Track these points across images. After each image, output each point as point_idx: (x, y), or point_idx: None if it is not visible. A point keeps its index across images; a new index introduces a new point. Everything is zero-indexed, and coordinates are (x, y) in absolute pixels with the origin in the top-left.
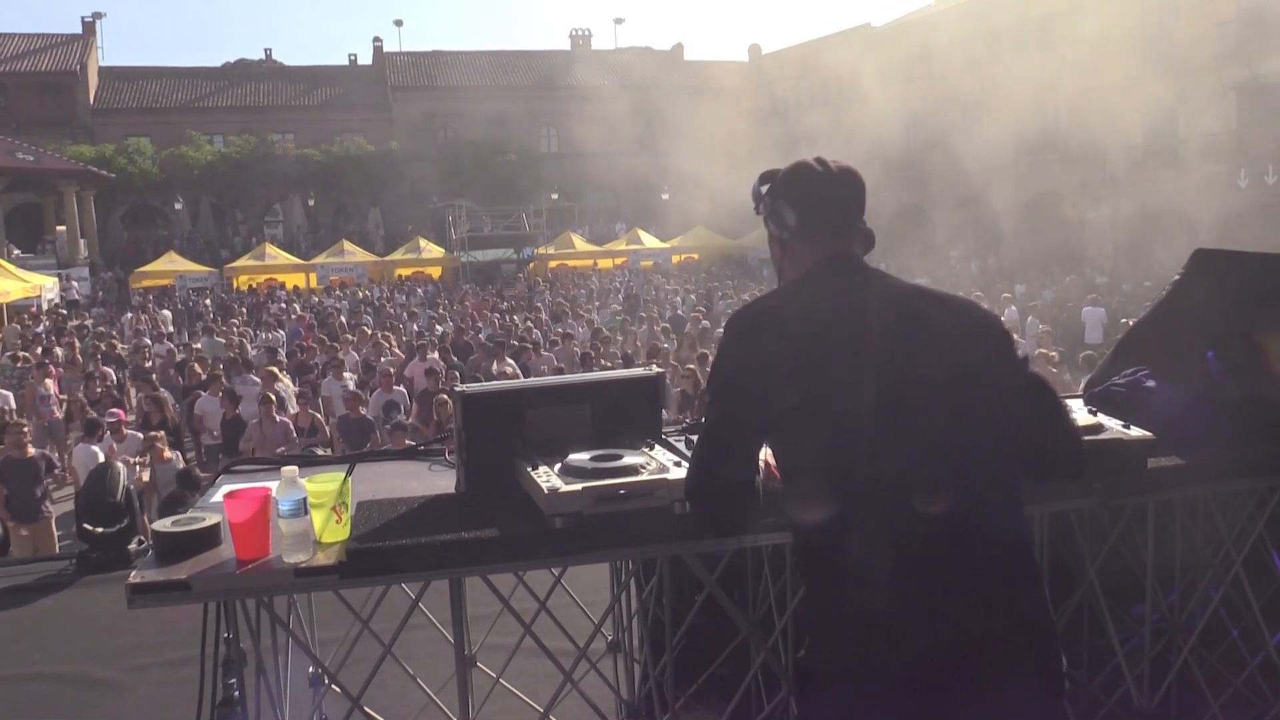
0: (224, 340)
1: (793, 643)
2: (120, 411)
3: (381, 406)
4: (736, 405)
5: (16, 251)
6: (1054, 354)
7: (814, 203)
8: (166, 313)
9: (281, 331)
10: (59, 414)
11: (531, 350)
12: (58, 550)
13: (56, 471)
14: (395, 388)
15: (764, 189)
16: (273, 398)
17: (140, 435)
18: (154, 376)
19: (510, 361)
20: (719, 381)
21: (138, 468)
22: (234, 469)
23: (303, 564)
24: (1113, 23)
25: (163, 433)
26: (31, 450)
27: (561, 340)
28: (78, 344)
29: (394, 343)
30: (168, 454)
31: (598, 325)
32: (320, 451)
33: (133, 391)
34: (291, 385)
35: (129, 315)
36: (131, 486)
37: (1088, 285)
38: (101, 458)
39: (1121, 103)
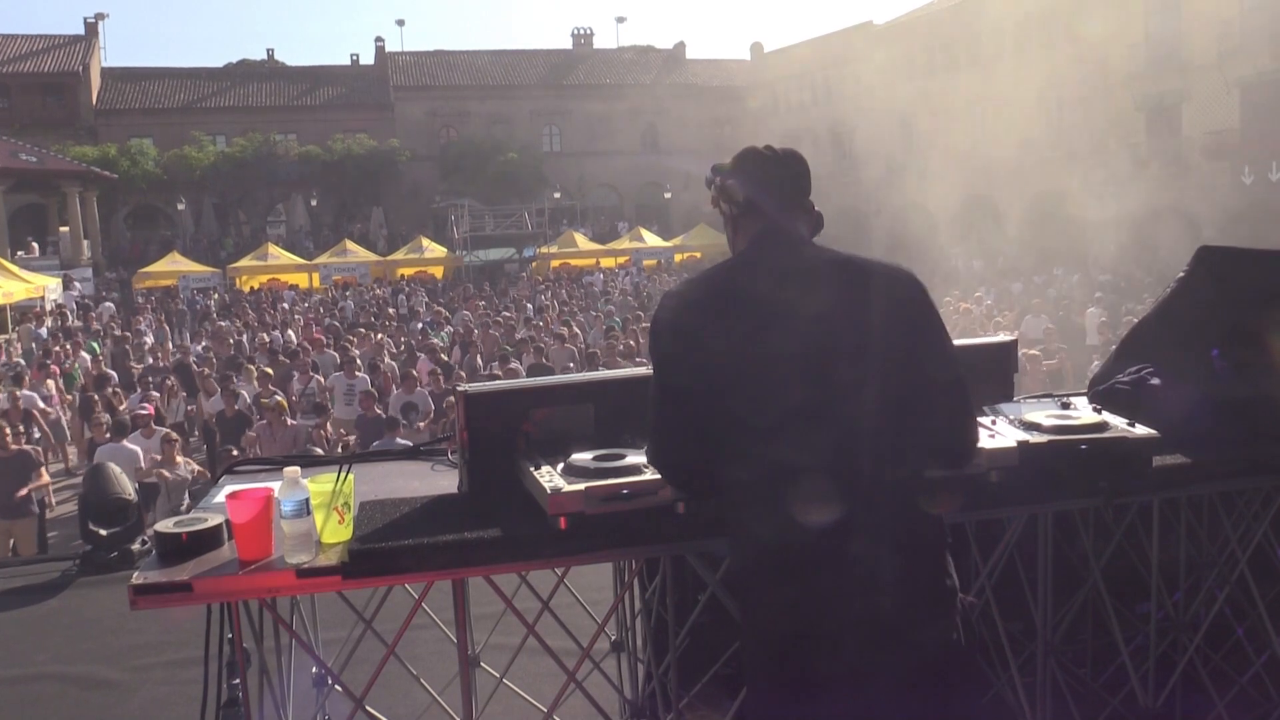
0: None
1: None
2: (150, 406)
3: (400, 408)
4: (671, 377)
5: (22, 253)
6: (1035, 351)
7: (758, 179)
8: (109, 304)
9: (289, 332)
10: (64, 415)
11: (531, 350)
12: (38, 548)
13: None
14: (416, 389)
15: (716, 177)
16: (284, 403)
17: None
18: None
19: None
20: (655, 357)
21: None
22: (236, 469)
23: (305, 565)
24: (1116, 20)
25: (174, 432)
26: (14, 447)
27: (557, 340)
28: (97, 347)
29: (389, 346)
30: (179, 457)
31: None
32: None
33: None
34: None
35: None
36: (135, 485)
37: (1093, 284)
38: (142, 456)
39: (1124, 100)
